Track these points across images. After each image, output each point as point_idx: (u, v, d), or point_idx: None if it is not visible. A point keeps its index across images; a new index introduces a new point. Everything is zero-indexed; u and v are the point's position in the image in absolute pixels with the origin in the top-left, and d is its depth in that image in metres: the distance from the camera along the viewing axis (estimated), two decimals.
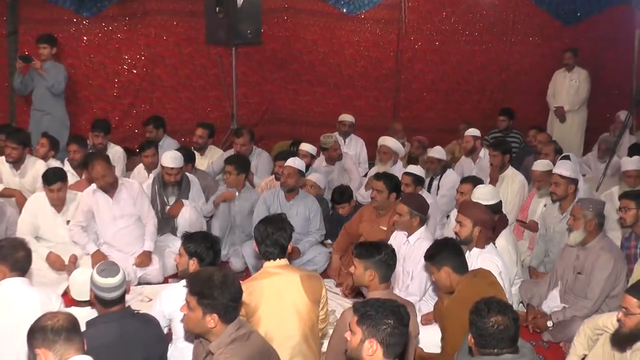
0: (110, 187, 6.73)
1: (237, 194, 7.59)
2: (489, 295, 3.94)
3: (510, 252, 6.07)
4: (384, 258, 4.45)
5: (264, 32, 10.31)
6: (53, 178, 6.66)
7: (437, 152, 8.53)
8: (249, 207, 7.54)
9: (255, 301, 4.34)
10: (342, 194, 8.00)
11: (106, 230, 6.86)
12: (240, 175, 7.53)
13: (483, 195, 6.24)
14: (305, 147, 8.65)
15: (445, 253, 4.73)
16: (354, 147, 9.97)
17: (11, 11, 9.40)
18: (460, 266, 4.73)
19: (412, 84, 11.38)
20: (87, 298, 4.67)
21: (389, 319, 3.38)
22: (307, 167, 8.21)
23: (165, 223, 7.32)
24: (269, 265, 4.56)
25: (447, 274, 4.69)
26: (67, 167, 7.76)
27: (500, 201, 6.43)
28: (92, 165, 6.68)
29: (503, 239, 6.06)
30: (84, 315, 4.41)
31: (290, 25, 11.03)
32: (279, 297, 4.40)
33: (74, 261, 6.71)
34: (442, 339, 4.77)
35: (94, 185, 6.79)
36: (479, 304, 3.80)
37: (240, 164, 7.58)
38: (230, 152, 8.89)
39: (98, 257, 6.52)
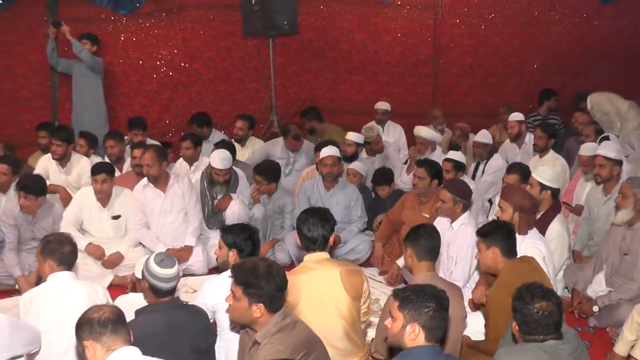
0: (154, 180, 6.85)
1: (267, 198, 7.60)
2: (531, 281, 3.92)
3: (564, 237, 6.04)
4: (420, 232, 4.48)
5: (300, 22, 10.36)
6: (97, 169, 6.86)
7: (483, 136, 8.47)
8: (281, 205, 7.57)
9: (295, 296, 4.33)
10: (384, 174, 7.97)
11: (155, 224, 7.00)
12: (270, 184, 7.47)
13: (545, 174, 6.20)
14: (351, 136, 8.52)
15: (499, 234, 4.71)
16: (392, 134, 9.93)
17: (51, 12, 9.53)
18: (509, 250, 4.71)
19: (450, 69, 11.26)
20: None
21: (430, 302, 3.40)
22: (354, 156, 8.23)
23: (215, 217, 7.39)
24: (309, 259, 4.52)
25: (494, 254, 4.68)
26: None
27: (559, 188, 6.37)
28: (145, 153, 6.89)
29: (558, 224, 6.03)
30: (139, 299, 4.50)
31: (326, 14, 10.99)
32: (318, 294, 4.38)
33: (118, 262, 6.83)
34: (486, 325, 4.75)
35: (144, 180, 6.93)
36: (521, 290, 3.77)
37: (269, 174, 7.49)
38: (278, 140, 9.02)
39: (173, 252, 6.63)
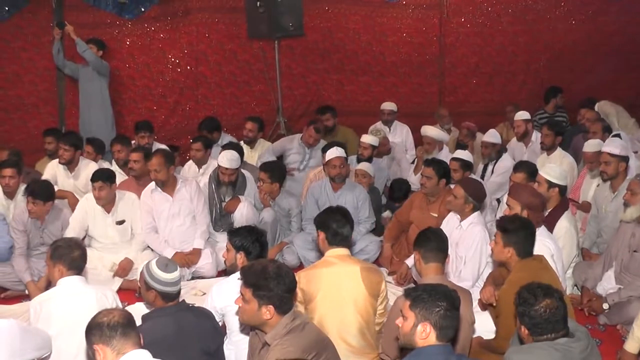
0: (162, 185, 6.85)
1: (271, 202, 7.48)
2: (541, 279, 3.91)
3: (572, 234, 6.02)
4: (426, 234, 4.52)
5: (305, 24, 10.35)
6: (95, 177, 6.83)
7: (492, 136, 8.40)
8: (286, 209, 7.50)
9: (313, 289, 4.40)
10: (400, 188, 8.03)
11: (163, 228, 6.99)
12: (273, 184, 7.37)
13: (553, 172, 6.17)
14: (367, 139, 8.42)
15: (521, 236, 4.69)
16: (399, 134, 9.91)
17: (57, 17, 9.56)
18: (526, 252, 4.70)
19: (456, 68, 11.27)
20: None
21: (442, 301, 3.39)
22: (369, 159, 8.22)
23: (223, 220, 7.39)
24: (330, 254, 4.60)
25: (510, 254, 4.68)
26: (114, 167, 7.94)
27: (566, 185, 6.34)
28: (151, 157, 6.88)
29: (566, 221, 6.00)
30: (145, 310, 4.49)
31: (331, 15, 11.01)
32: (337, 288, 4.44)
33: (129, 267, 6.82)
34: (496, 324, 4.74)
35: (152, 185, 6.93)
36: (522, 294, 3.76)
37: (274, 173, 7.41)
38: (295, 136, 9.06)
39: (178, 256, 6.77)
